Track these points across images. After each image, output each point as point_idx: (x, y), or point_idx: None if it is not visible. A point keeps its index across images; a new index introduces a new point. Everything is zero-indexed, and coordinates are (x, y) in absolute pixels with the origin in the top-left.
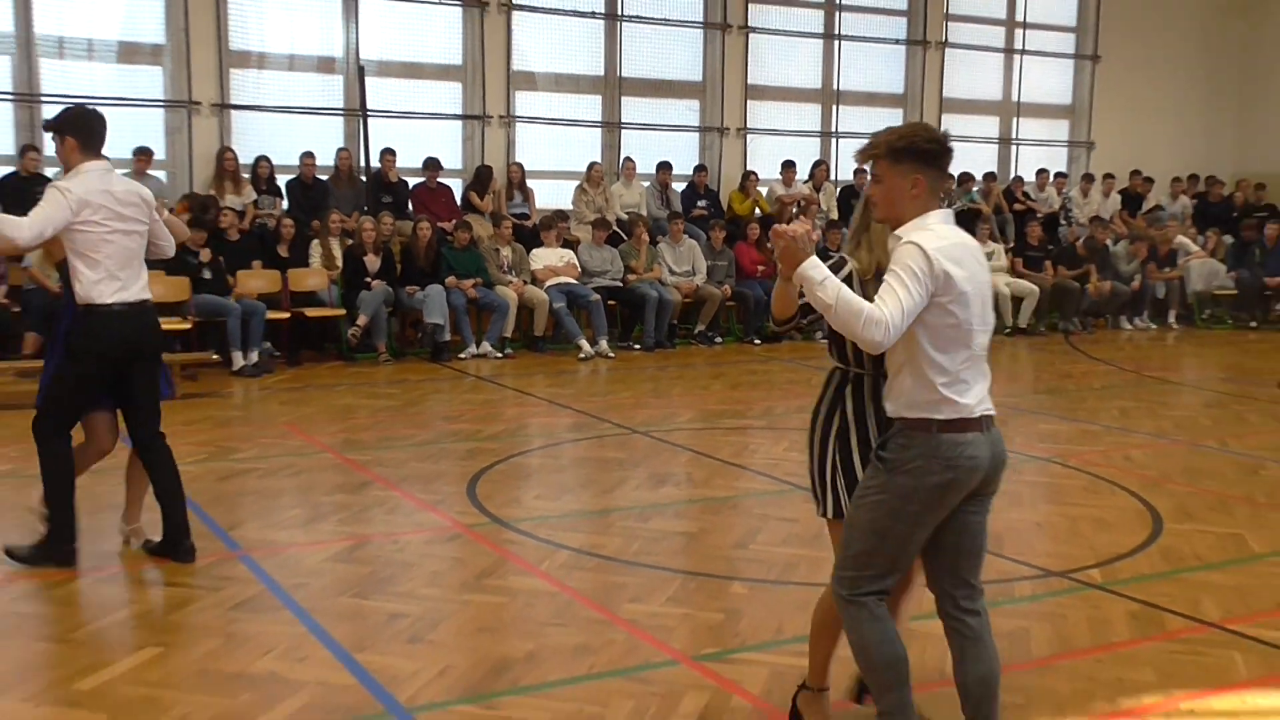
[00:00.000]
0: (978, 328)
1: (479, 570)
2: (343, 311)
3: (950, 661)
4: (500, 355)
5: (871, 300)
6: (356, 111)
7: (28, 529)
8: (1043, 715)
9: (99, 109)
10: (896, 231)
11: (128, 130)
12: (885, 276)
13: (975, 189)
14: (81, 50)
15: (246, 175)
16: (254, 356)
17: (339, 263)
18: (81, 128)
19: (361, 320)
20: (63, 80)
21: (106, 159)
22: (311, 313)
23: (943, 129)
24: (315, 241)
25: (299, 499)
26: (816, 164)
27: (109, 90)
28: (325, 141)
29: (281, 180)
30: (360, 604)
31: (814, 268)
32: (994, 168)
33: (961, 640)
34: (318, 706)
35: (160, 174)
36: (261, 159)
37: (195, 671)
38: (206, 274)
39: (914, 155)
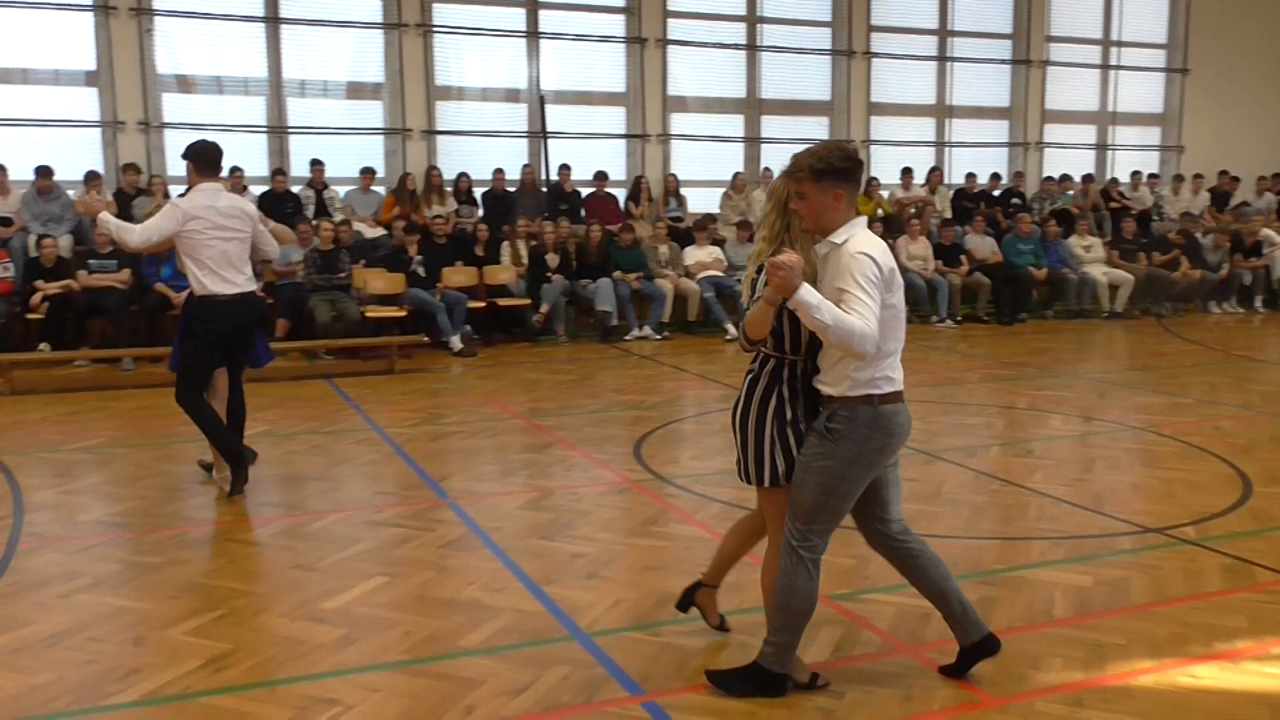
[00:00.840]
0: (902, 316)
1: (644, 518)
2: (528, 301)
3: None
4: (659, 337)
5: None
6: (538, 134)
7: (280, 479)
8: (1142, 656)
9: (321, 136)
10: (830, 238)
11: (354, 154)
12: (844, 288)
13: (1071, 190)
14: (318, 90)
15: (449, 189)
16: (458, 340)
17: (525, 260)
18: (198, 156)
19: (544, 308)
20: (304, 115)
21: (220, 179)
22: (503, 303)
23: (856, 141)
24: (505, 243)
25: (495, 457)
26: (932, 170)
27: (340, 122)
28: (513, 159)
29: (478, 192)
30: (546, 545)
31: (809, 293)
32: (1092, 170)
33: (911, 559)
34: (513, 629)
35: (380, 189)
36: (462, 175)
37: (415, 597)
38: (420, 271)
39: (833, 174)
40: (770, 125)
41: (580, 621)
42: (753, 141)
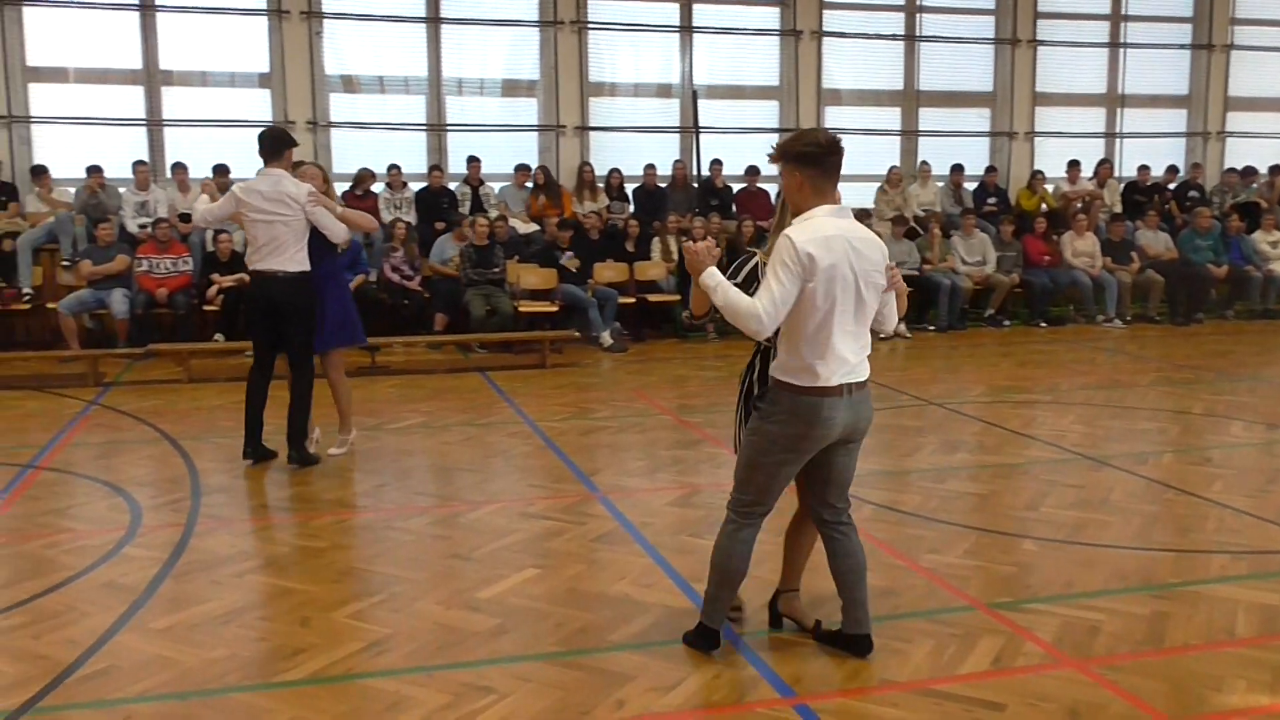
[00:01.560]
0: (840, 309)
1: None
2: (678, 297)
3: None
4: None
5: None
6: (690, 129)
7: (436, 469)
8: None
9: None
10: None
11: (509, 150)
12: (766, 270)
13: (1255, 183)
14: (475, 88)
15: (601, 185)
16: (608, 336)
17: (675, 256)
18: (261, 145)
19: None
20: (461, 112)
21: (277, 168)
22: (653, 298)
23: (831, 130)
24: (656, 239)
25: (643, 452)
26: (1101, 162)
27: (495, 119)
28: (664, 154)
29: (629, 188)
30: (695, 542)
31: (709, 276)
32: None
33: (833, 543)
34: (663, 625)
35: (531, 185)
36: (614, 171)
37: (566, 590)
38: (571, 267)
39: (795, 158)
40: (928, 118)
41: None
42: (909, 134)
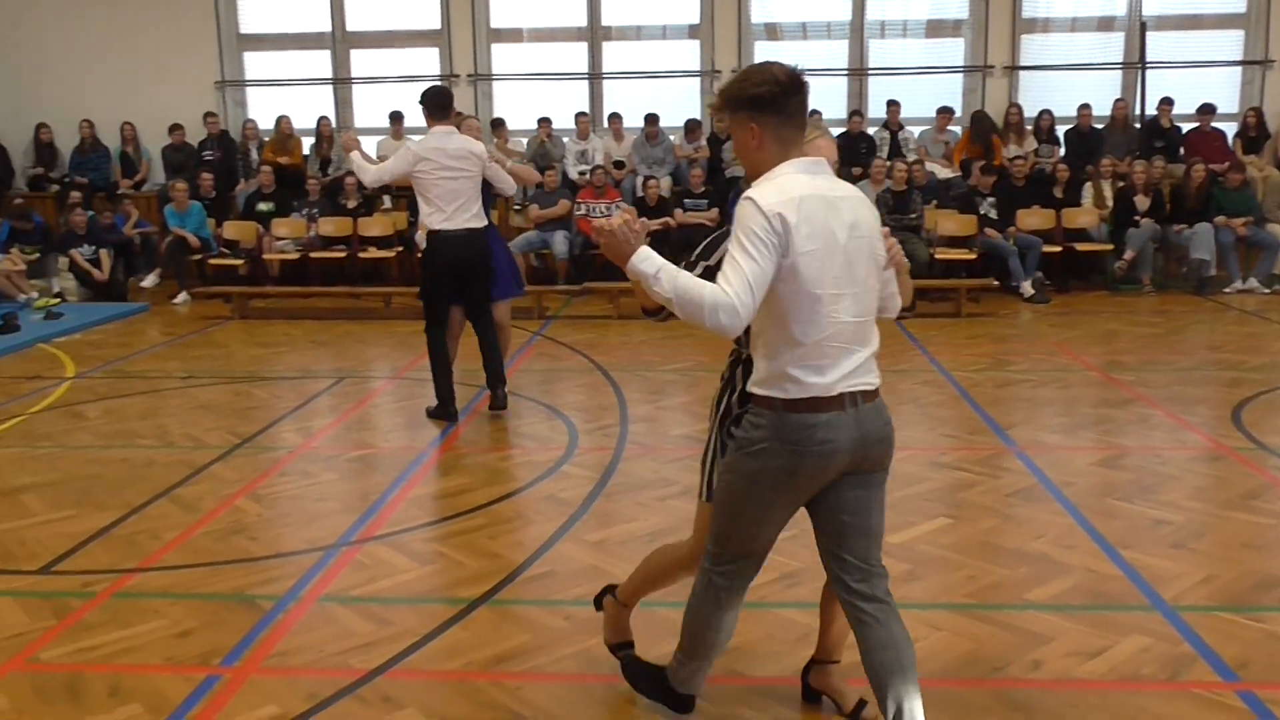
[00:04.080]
0: (832, 291)
1: (1244, 491)
2: (1110, 246)
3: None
4: (1267, 291)
5: None
6: (1135, 64)
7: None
8: None
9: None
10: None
11: (930, 94)
12: (729, 246)
13: None
14: (897, 30)
15: (1029, 127)
16: (1029, 286)
17: (1109, 202)
18: (429, 103)
19: (1128, 254)
20: (882, 56)
21: (449, 124)
22: (1081, 247)
23: (793, 64)
24: (1088, 184)
25: (1064, 409)
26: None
27: (918, 61)
28: (1101, 94)
29: (1060, 130)
30: (1123, 506)
31: (643, 260)
32: None
33: (860, 626)
34: (1085, 590)
35: (956, 129)
36: (1044, 112)
37: (978, 543)
38: (992, 214)
39: (744, 103)
40: None
41: (1165, 593)
42: None
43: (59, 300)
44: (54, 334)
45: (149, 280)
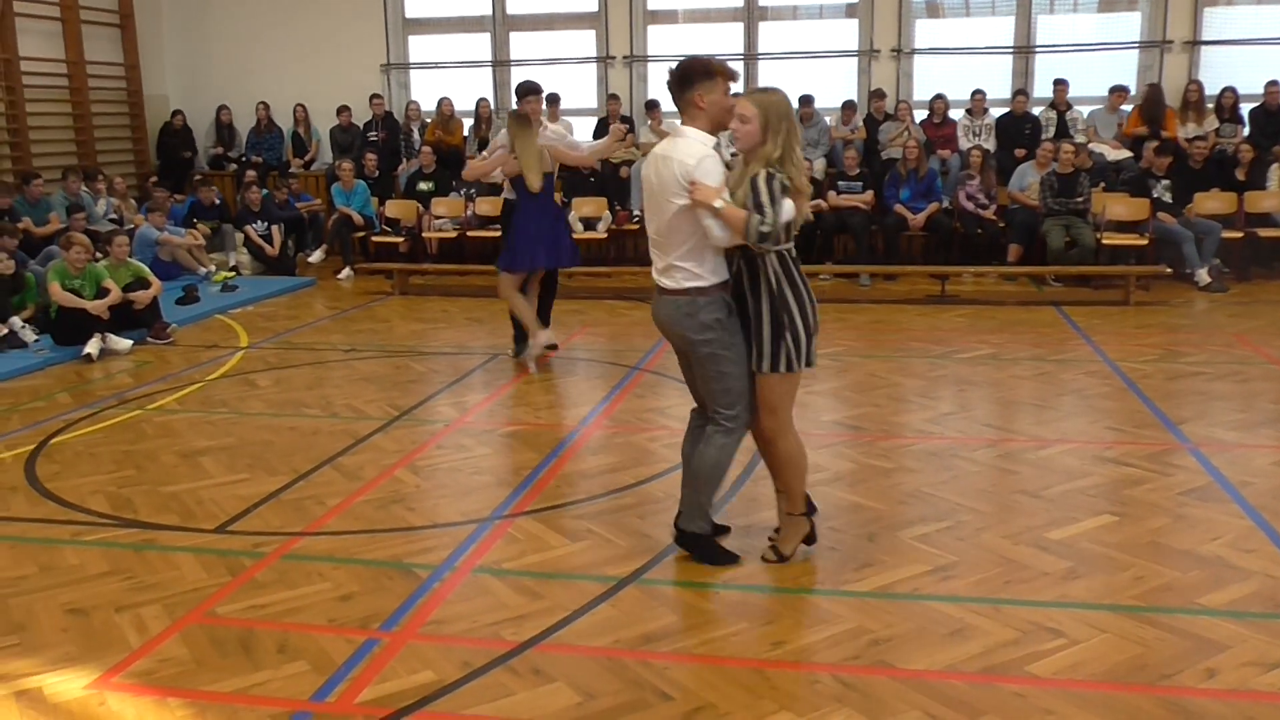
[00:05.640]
0: (645, 217)
1: None
2: None
3: None
4: None
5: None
6: None
7: (1001, 402)
8: None
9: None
10: None
11: (1102, 72)
12: None
13: None
14: (1067, 6)
15: (1210, 105)
16: (1205, 274)
17: None
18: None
19: None
20: (1051, 32)
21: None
22: (1264, 233)
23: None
24: (1274, 165)
25: (1243, 404)
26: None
27: (1091, 38)
28: None
29: (1244, 108)
30: None
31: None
32: None
33: (693, 433)
34: (1265, 596)
35: (1128, 108)
36: (1227, 89)
37: (1147, 542)
38: (1166, 197)
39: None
40: None
41: None
42: None
43: (234, 274)
44: (229, 305)
45: (315, 256)
